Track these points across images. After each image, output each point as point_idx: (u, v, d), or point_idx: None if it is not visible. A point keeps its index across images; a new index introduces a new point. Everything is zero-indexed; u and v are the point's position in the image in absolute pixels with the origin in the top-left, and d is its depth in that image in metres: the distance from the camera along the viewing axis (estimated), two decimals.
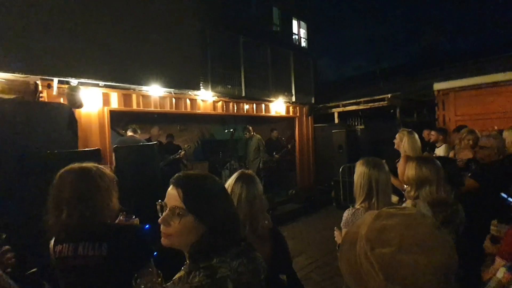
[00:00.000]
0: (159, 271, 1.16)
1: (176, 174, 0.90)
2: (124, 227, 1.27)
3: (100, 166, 1.27)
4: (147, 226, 3.16)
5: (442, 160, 2.28)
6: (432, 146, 4.27)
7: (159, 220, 0.84)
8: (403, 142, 2.68)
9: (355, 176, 1.76)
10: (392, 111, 6.86)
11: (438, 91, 6.31)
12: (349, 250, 0.60)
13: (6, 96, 3.39)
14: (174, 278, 0.83)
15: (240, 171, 1.48)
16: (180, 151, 5.42)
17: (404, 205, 1.75)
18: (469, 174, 2.43)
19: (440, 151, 3.92)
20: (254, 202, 1.37)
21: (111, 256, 1.15)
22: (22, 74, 3.38)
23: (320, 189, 7.08)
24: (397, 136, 2.77)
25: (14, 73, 3.31)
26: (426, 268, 0.51)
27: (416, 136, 2.67)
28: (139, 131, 4.77)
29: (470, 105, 5.89)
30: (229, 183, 1.41)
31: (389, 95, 6.60)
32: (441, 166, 1.69)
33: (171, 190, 0.86)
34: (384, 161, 1.79)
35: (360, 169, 1.73)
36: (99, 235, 1.18)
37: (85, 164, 1.24)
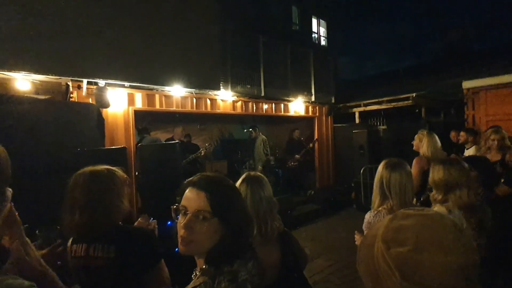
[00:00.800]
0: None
1: (195, 177, 0.86)
2: (133, 230, 1.28)
3: (112, 168, 1.30)
4: (169, 222, 3.25)
5: (473, 159, 2.17)
6: (460, 148, 4.06)
7: (183, 225, 0.79)
8: (423, 143, 2.62)
9: (375, 177, 1.75)
10: (417, 110, 6.59)
11: (468, 89, 5.97)
12: (367, 252, 0.60)
13: (40, 97, 3.60)
14: (197, 285, 0.78)
15: (246, 172, 1.47)
16: (201, 150, 5.48)
17: (435, 209, 1.68)
18: (502, 180, 2.29)
19: (469, 153, 3.71)
20: (260, 204, 1.35)
21: (119, 259, 1.17)
22: (54, 75, 3.56)
23: (339, 190, 6.95)
24: (416, 137, 2.72)
25: (47, 74, 3.50)
26: (444, 268, 0.50)
27: (436, 137, 2.61)
28: (150, 132, 4.97)
29: (503, 104, 5.52)
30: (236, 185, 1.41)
31: (413, 94, 6.35)
32: (468, 168, 1.61)
33: (192, 193, 0.83)
34: (406, 162, 1.75)
35: (379, 170, 1.73)
36: (108, 237, 1.20)
37: (97, 167, 1.28)
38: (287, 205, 5.49)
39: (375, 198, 1.72)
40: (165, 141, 5.83)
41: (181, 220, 0.81)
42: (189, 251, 0.81)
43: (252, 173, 1.46)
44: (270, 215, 1.38)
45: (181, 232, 0.80)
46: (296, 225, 5.26)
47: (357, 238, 1.78)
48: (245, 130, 6.19)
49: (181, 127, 5.50)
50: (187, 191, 0.84)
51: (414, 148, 2.74)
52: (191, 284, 0.80)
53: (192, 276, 0.85)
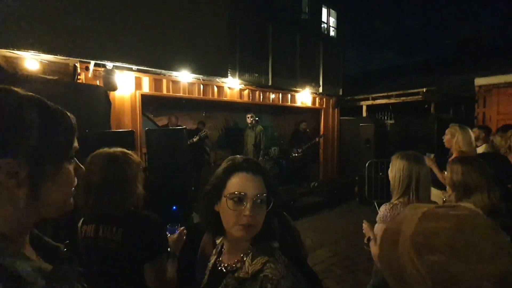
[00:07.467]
0: None
1: (241, 162, 0.85)
2: (143, 216, 1.26)
3: (128, 152, 1.29)
4: (174, 207, 3.25)
5: (489, 156, 2.10)
6: None
7: (249, 212, 0.77)
8: (456, 138, 2.50)
9: (392, 170, 1.69)
10: (426, 106, 6.47)
11: (480, 86, 5.83)
12: (390, 250, 0.57)
13: (48, 77, 3.56)
14: (259, 268, 0.75)
15: (231, 157, 1.47)
16: (195, 136, 5.44)
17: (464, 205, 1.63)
18: None
19: (480, 150, 3.63)
20: None
21: (125, 243, 1.17)
22: (62, 56, 3.51)
23: (343, 183, 6.93)
24: (447, 131, 2.60)
25: (55, 54, 3.45)
26: (484, 278, 0.46)
27: (470, 131, 2.49)
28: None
29: None
30: None
31: (424, 89, 6.22)
32: (487, 167, 1.55)
33: (247, 179, 0.80)
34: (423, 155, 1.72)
35: (399, 162, 1.65)
36: (118, 220, 1.20)
37: (113, 150, 1.26)
38: (290, 196, 5.49)
39: (397, 191, 1.64)
40: (160, 127, 5.81)
41: (237, 208, 0.78)
42: (250, 236, 0.80)
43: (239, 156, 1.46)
44: None
45: (243, 220, 0.77)
46: (298, 216, 5.28)
47: (365, 227, 1.76)
48: (249, 116, 6.09)
49: (174, 116, 5.60)
50: (237, 177, 0.81)
51: (446, 145, 2.62)
52: (249, 268, 0.76)
53: (230, 264, 0.83)
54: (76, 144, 0.62)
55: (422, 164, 1.60)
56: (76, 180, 0.62)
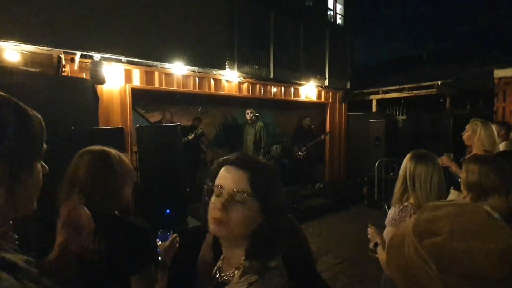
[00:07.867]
0: None
1: (232, 155, 0.84)
2: (129, 224, 1.25)
3: (121, 154, 1.30)
4: (167, 211, 3.25)
5: (509, 155, 2.10)
6: None
7: (219, 206, 0.76)
8: (478, 134, 2.49)
9: (400, 170, 1.76)
10: (441, 100, 6.47)
11: (500, 79, 5.81)
12: (397, 252, 0.61)
13: (30, 69, 3.55)
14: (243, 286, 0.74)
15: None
16: (190, 133, 5.46)
17: None
18: None
19: (500, 148, 3.63)
20: None
21: (109, 253, 1.15)
22: (46, 46, 3.50)
23: (350, 184, 6.94)
24: (468, 127, 2.58)
25: (38, 45, 3.44)
26: (485, 255, 0.50)
27: (493, 127, 2.49)
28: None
29: None
30: None
31: (439, 82, 6.20)
32: (507, 167, 1.55)
33: (229, 172, 0.80)
34: (435, 154, 1.74)
35: (404, 162, 1.73)
36: (101, 227, 1.16)
37: (106, 147, 1.27)
38: (293, 198, 5.49)
39: (396, 191, 1.73)
40: (153, 123, 5.82)
41: (214, 201, 0.78)
42: (219, 232, 0.78)
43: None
44: None
45: (215, 213, 0.76)
46: (302, 220, 5.28)
47: (371, 232, 1.76)
48: (248, 111, 6.09)
49: (169, 112, 5.54)
50: (222, 170, 0.81)
51: (466, 141, 2.61)
52: (235, 286, 0.75)
53: (226, 275, 0.82)
54: (45, 144, 0.68)
55: (426, 161, 1.63)
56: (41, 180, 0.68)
